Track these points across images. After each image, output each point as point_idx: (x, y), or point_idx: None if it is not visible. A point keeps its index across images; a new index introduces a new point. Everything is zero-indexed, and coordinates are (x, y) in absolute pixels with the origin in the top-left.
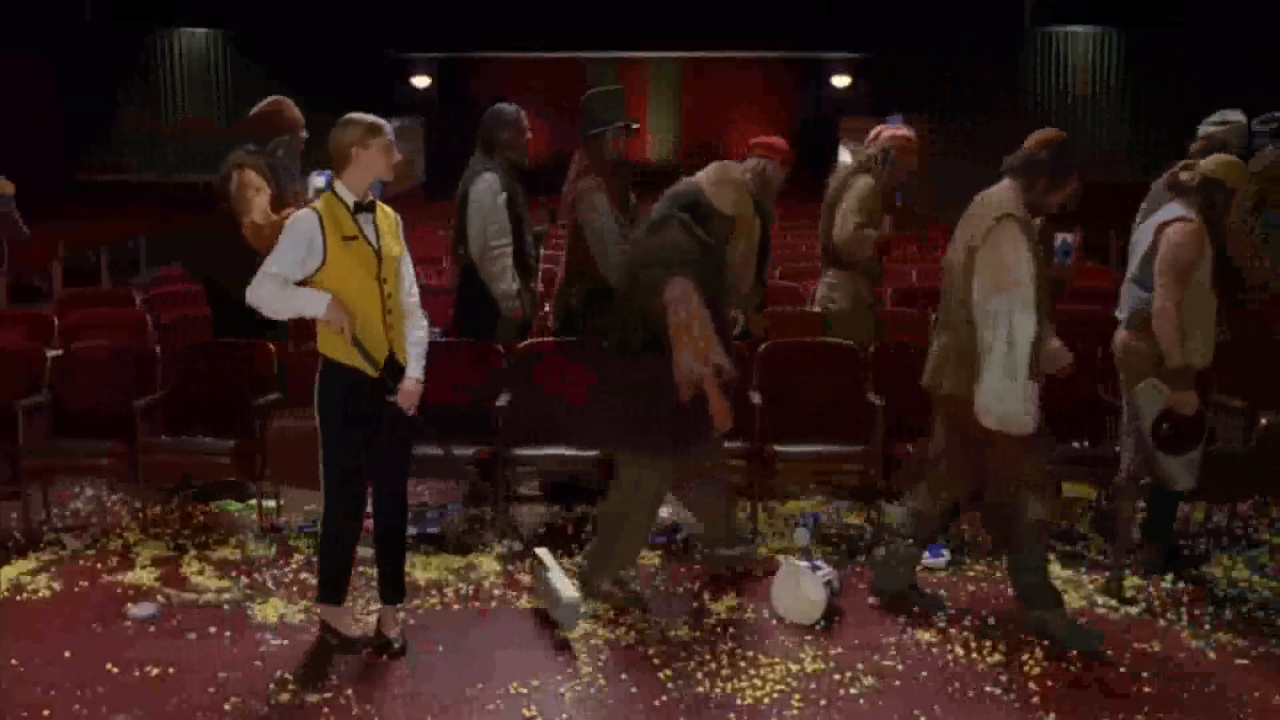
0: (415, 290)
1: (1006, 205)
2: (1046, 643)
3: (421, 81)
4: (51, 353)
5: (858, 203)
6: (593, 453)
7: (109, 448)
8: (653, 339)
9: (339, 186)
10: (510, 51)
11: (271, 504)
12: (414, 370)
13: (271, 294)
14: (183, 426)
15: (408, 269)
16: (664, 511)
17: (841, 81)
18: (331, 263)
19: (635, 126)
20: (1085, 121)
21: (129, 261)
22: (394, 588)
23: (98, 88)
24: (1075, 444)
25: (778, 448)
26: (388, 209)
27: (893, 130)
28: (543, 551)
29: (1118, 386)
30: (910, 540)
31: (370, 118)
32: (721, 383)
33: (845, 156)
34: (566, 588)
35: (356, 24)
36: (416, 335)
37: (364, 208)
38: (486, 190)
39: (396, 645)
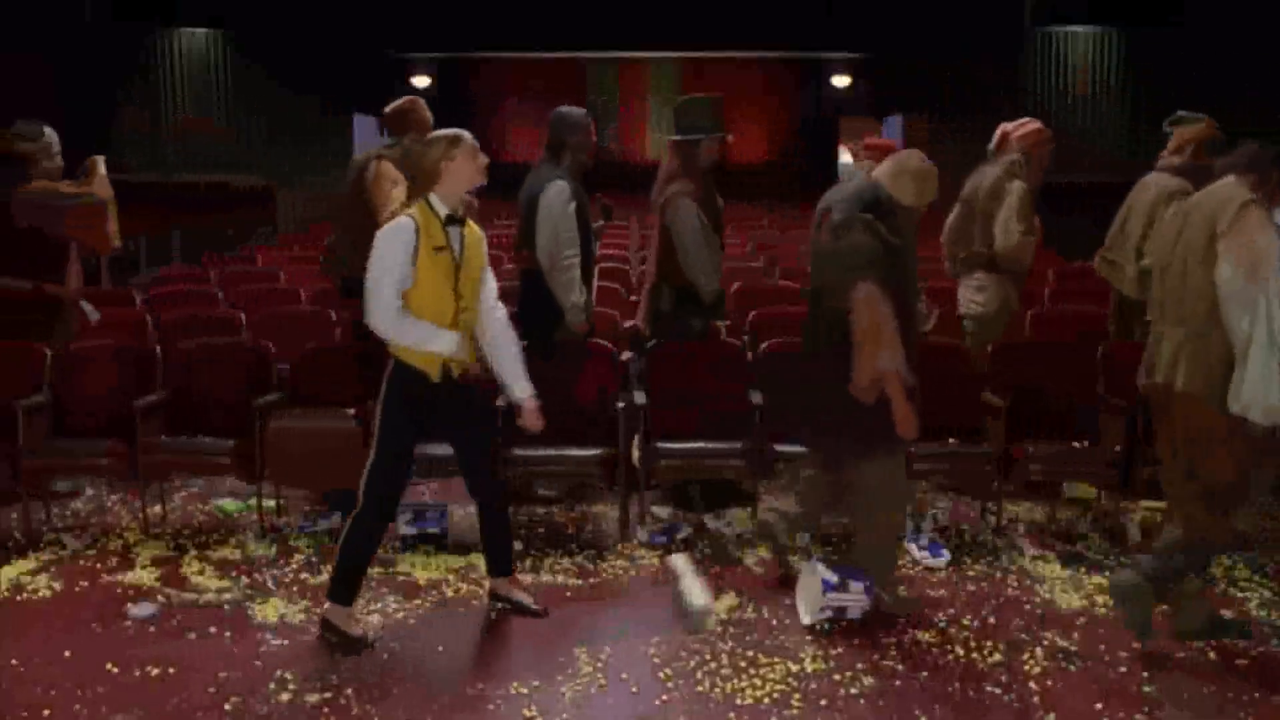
0: (500, 306)
1: (1244, 194)
2: (1046, 642)
3: (421, 81)
4: (51, 353)
5: (1017, 210)
6: (594, 452)
7: (109, 448)
8: (845, 342)
9: (433, 199)
10: (510, 51)
11: (271, 504)
12: (526, 388)
13: (400, 327)
14: (183, 426)
15: (490, 283)
16: (664, 512)
17: (841, 81)
18: (419, 272)
19: (730, 139)
20: (1085, 121)
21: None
22: (505, 560)
23: (98, 88)
24: (1075, 444)
25: (778, 447)
26: (475, 226)
27: (1021, 129)
28: (676, 559)
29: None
30: (1185, 571)
31: (450, 131)
32: (905, 389)
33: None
34: (697, 595)
35: (356, 24)
36: (514, 351)
37: (454, 220)
38: (557, 198)
39: (535, 605)
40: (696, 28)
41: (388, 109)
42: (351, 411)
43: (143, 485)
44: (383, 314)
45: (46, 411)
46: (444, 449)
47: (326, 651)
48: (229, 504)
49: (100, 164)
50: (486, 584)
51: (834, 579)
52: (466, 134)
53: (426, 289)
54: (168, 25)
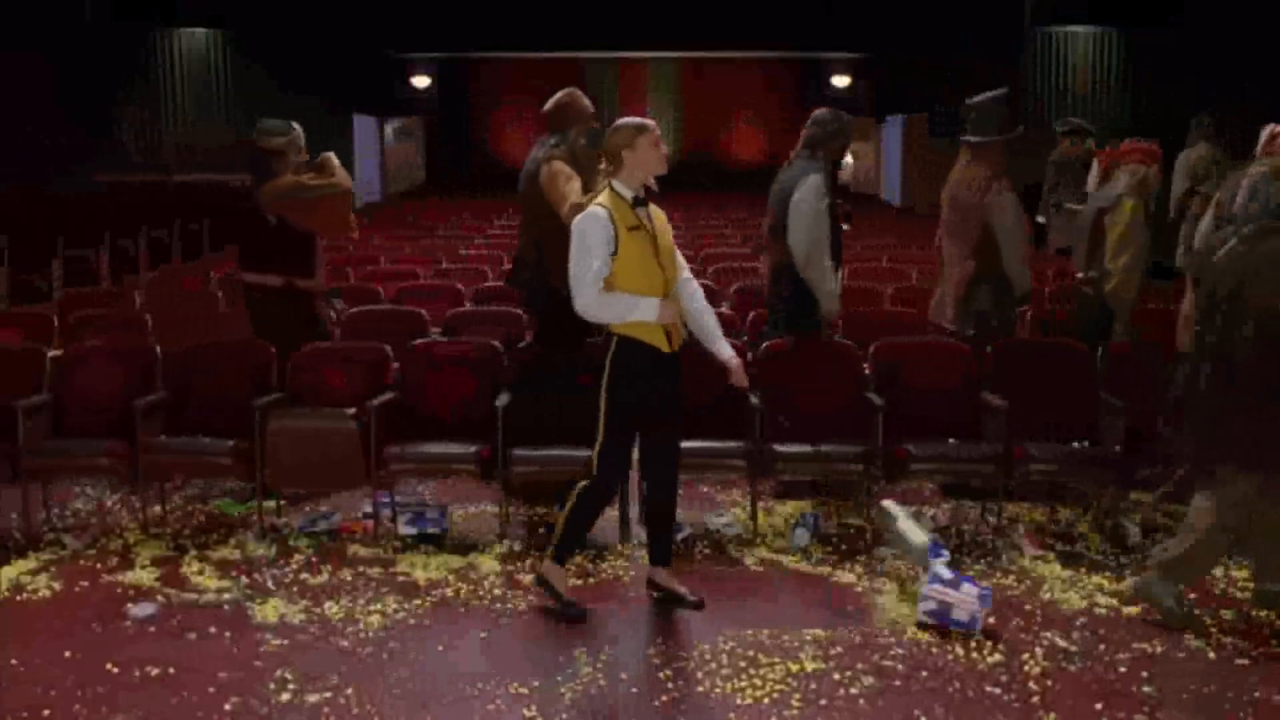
0: (689, 272)
1: None
2: (1046, 642)
3: (421, 81)
4: (51, 353)
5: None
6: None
7: (109, 448)
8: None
9: (617, 184)
10: (510, 51)
11: (271, 504)
12: (726, 347)
13: (602, 304)
14: (183, 426)
15: (678, 254)
16: None
17: (841, 81)
18: (622, 250)
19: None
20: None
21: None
22: (666, 550)
23: (98, 88)
24: (1075, 444)
25: (777, 448)
26: (656, 207)
27: (1142, 148)
28: (889, 503)
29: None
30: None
31: (637, 120)
32: None
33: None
34: (918, 534)
35: (356, 24)
36: (714, 317)
37: (640, 202)
38: (812, 192)
39: (693, 598)
40: (696, 28)
41: (547, 106)
42: (351, 411)
43: (143, 485)
44: (586, 297)
45: (46, 411)
46: (444, 448)
47: (326, 651)
48: (229, 504)
49: (333, 157)
50: (487, 584)
51: (947, 575)
52: (651, 123)
53: (633, 266)
54: (168, 25)
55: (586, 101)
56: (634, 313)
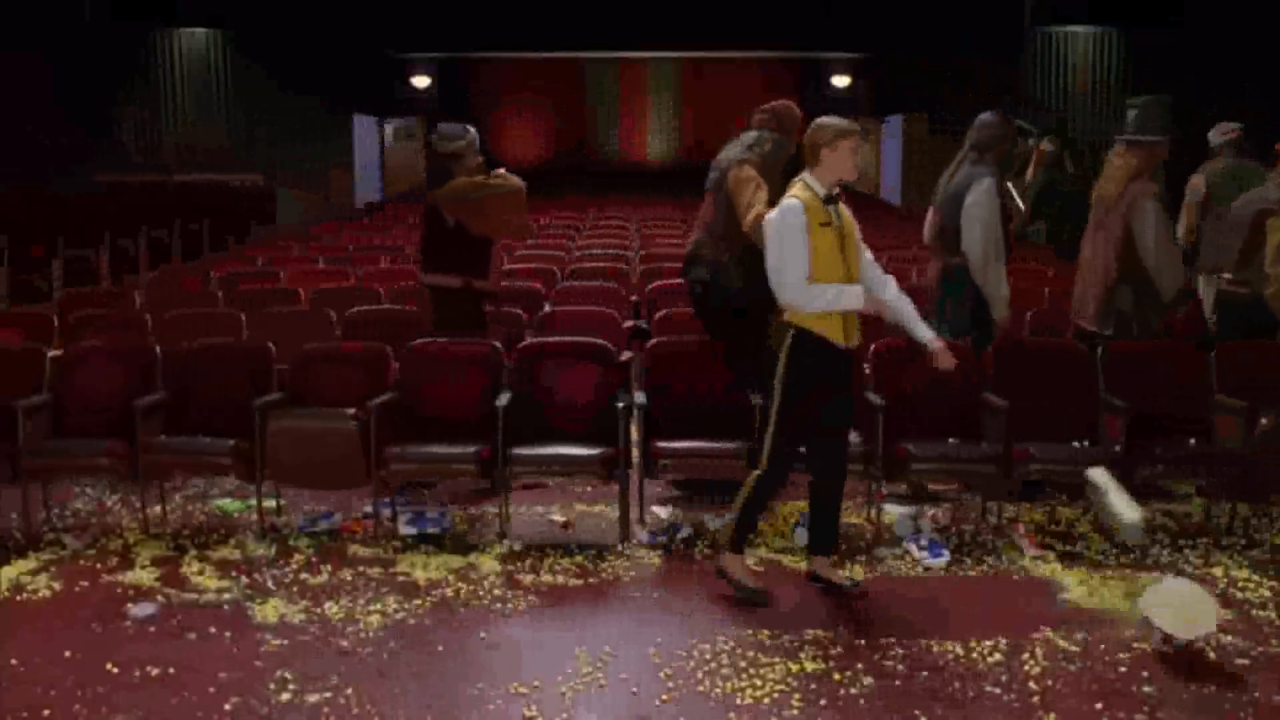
0: (878, 266)
1: None
2: (1046, 642)
3: (421, 81)
4: (51, 353)
5: None
6: (595, 451)
7: (109, 448)
8: None
9: (810, 180)
10: (510, 51)
11: (271, 504)
12: (926, 330)
13: (810, 294)
14: (183, 426)
15: (868, 252)
16: (663, 512)
17: (841, 81)
18: (814, 247)
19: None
20: (1085, 121)
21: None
22: (828, 539)
23: (98, 88)
24: (1075, 444)
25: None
26: (844, 205)
27: None
28: (1095, 472)
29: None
30: None
31: (843, 123)
32: None
33: None
34: (1128, 507)
35: (356, 24)
36: (911, 305)
37: (830, 200)
38: (986, 197)
39: (851, 584)
40: (696, 28)
41: (766, 107)
42: (351, 411)
43: (143, 485)
44: (793, 287)
45: (46, 411)
46: (444, 449)
47: (326, 651)
48: (229, 504)
49: (504, 171)
50: (487, 584)
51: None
52: (855, 127)
53: (821, 260)
54: (168, 25)
55: (799, 112)
56: (840, 301)
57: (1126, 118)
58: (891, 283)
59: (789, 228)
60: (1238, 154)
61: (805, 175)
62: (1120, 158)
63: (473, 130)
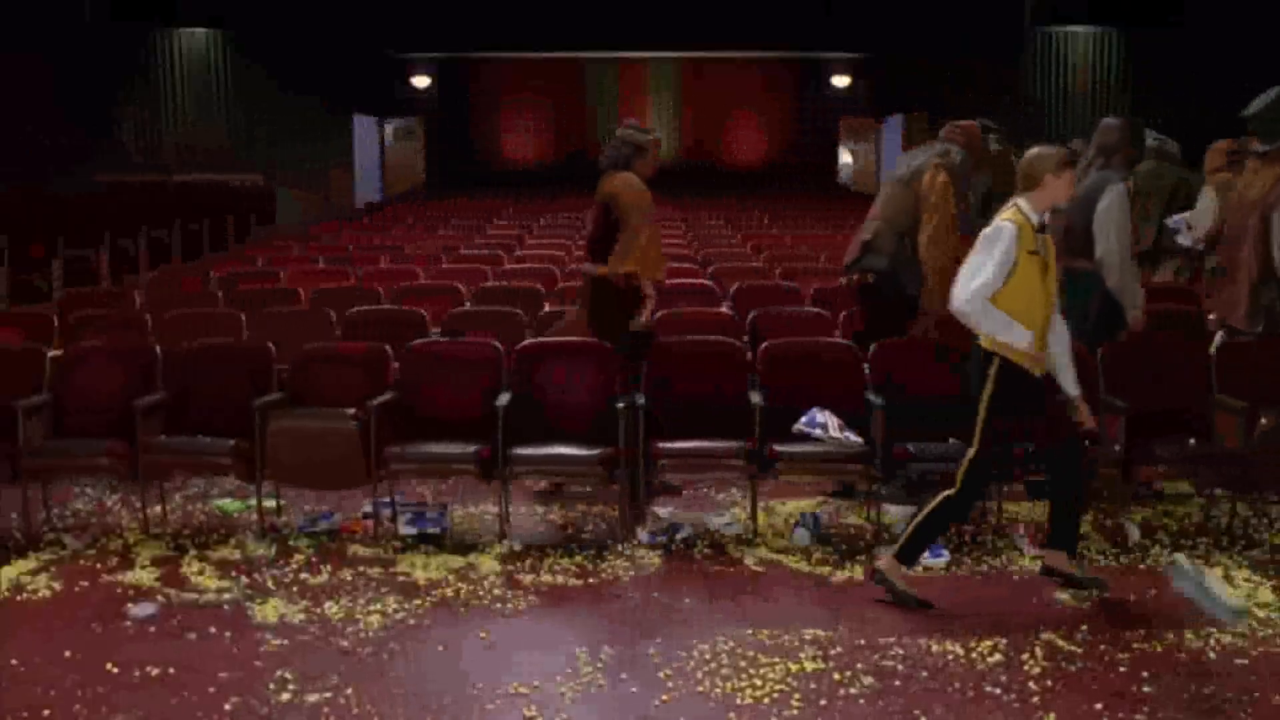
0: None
1: None
2: (1046, 643)
3: (421, 81)
4: (51, 353)
5: None
6: (595, 451)
7: (109, 448)
8: None
9: (1024, 205)
10: (510, 51)
11: (271, 504)
12: (1075, 385)
13: (982, 312)
14: (183, 426)
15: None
16: (663, 511)
17: (841, 81)
18: (1018, 271)
19: None
20: (1085, 121)
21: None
22: (1069, 539)
23: (98, 88)
24: None
25: (777, 448)
26: (1049, 238)
27: None
28: (1181, 560)
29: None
30: None
31: (1064, 151)
32: None
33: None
34: (1224, 592)
35: (356, 24)
36: (1069, 348)
37: (1041, 228)
38: (1119, 201)
39: (1089, 577)
40: (696, 28)
41: (960, 124)
42: (351, 411)
43: (143, 485)
44: (972, 298)
45: (46, 411)
46: (444, 448)
47: (326, 651)
48: (229, 504)
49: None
50: (487, 584)
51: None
52: (1075, 158)
53: (1022, 288)
54: (168, 25)
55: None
56: (1006, 334)
57: (1254, 127)
58: (1059, 323)
59: (1001, 243)
60: None
61: (1019, 200)
62: (1258, 169)
63: (656, 130)
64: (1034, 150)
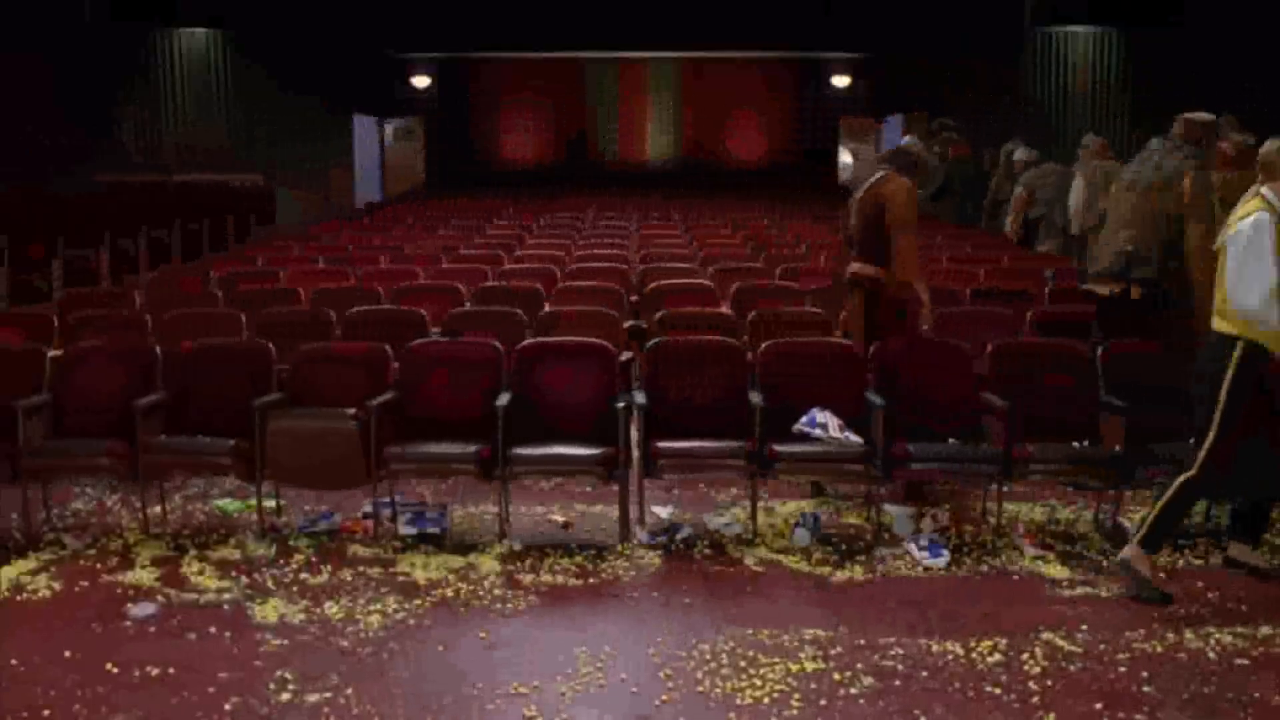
0: None
1: None
2: (1046, 642)
3: (421, 81)
4: (51, 353)
5: None
6: (595, 451)
7: (109, 448)
8: None
9: (1269, 195)
10: (510, 51)
11: (271, 504)
12: None
13: (1270, 308)
14: (183, 426)
15: None
16: (663, 512)
17: (841, 81)
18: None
19: None
20: (1085, 121)
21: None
22: (1258, 531)
23: (98, 88)
24: (1075, 444)
25: (777, 448)
26: None
27: None
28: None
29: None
30: None
31: None
32: None
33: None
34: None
35: (356, 24)
36: None
37: None
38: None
39: (1267, 568)
40: (696, 28)
41: (1190, 116)
42: (351, 411)
43: (143, 485)
44: (1258, 297)
45: (46, 411)
46: (444, 448)
47: (326, 651)
48: (229, 504)
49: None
50: (487, 584)
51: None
52: None
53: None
54: (168, 25)
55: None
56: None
57: None
58: None
59: (1259, 244)
60: None
61: (1265, 190)
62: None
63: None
64: (1272, 140)
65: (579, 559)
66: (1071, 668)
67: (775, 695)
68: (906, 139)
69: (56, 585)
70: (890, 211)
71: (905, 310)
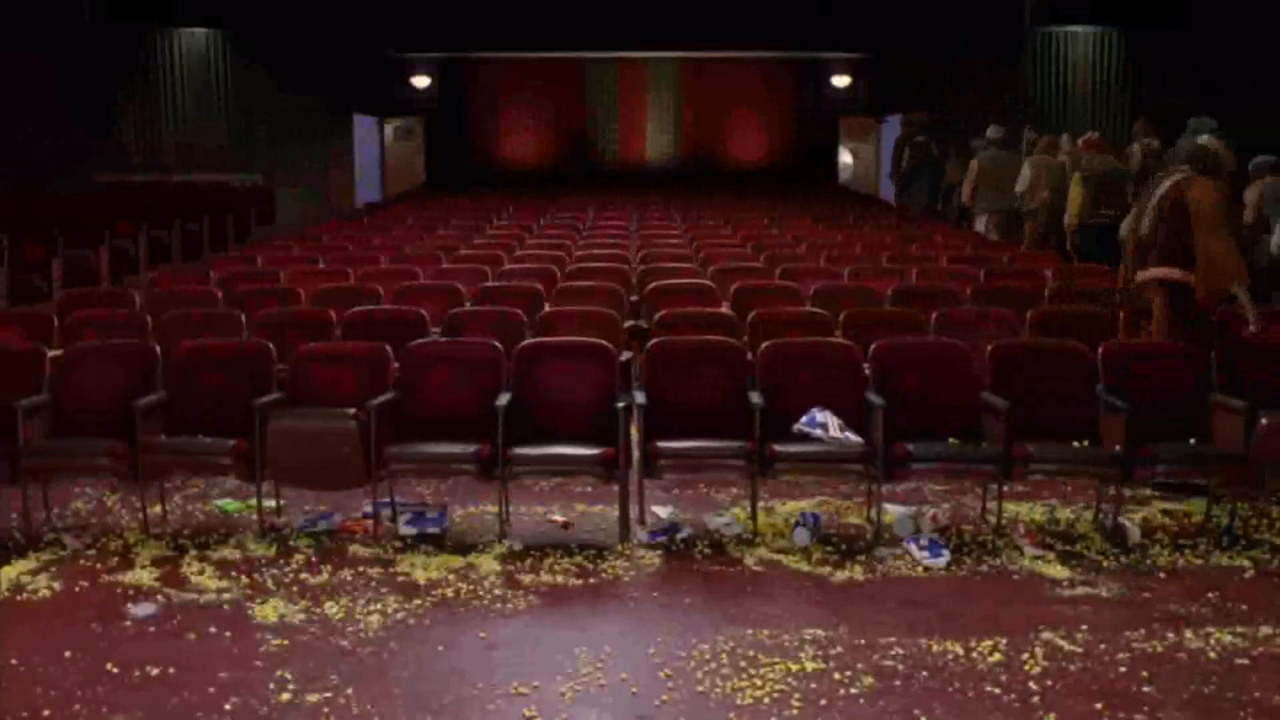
0: None
1: None
2: (1046, 643)
3: (421, 81)
4: (51, 353)
5: None
6: (595, 451)
7: (109, 448)
8: None
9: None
10: (510, 51)
11: (271, 504)
12: None
13: None
14: (183, 426)
15: None
16: (663, 512)
17: (841, 81)
18: None
19: None
20: (1085, 121)
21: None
22: None
23: (98, 88)
24: (1075, 444)
25: (777, 447)
26: None
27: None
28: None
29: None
30: None
31: None
32: None
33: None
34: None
35: (356, 24)
36: None
37: None
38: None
39: None
40: (696, 28)
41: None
42: (351, 411)
43: (143, 485)
44: None
45: (46, 411)
46: (444, 448)
47: (326, 651)
48: (229, 504)
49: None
50: (487, 584)
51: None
52: None
53: None
54: (167, 25)
55: None
56: None
57: None
58: None
59: None
60: None
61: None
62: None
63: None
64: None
65: (579, 559)
66: (1071, 668)
67: (775, 695)
68: (1204, 137)
69: (56, 585)
70: (1200, 215)
71: (1212, 313)
